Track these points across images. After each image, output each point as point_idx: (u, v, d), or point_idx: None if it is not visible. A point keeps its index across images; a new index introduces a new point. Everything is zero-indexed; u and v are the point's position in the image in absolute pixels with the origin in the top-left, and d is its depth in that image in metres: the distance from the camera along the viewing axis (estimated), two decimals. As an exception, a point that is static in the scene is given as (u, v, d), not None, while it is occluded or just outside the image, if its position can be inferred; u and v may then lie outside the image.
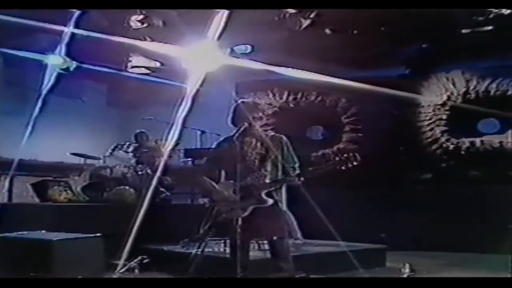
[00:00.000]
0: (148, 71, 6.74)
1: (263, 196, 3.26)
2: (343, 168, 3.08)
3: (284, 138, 3.45)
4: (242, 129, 3.31)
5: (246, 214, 3.28)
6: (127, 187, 5.37)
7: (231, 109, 3.51)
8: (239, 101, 3.52)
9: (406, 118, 6.36)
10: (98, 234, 3.65)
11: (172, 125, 5.21)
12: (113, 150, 5.90)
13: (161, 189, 5.76)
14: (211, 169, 3.44)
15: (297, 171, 3.27)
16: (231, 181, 3.27)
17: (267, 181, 3.28)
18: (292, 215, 3.31)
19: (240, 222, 3.18)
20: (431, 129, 6.24)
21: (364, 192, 5.88)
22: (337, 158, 3.12)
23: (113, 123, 7.38)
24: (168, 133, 5.32)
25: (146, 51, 6.18)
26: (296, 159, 3.40)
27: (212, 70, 5.12)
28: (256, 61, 5.62)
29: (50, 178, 5.37)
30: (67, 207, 4.98)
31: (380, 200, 5.87)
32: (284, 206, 3.37)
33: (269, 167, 3.32)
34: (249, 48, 5.99)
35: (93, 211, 4.89)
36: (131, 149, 5.96)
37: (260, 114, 3.56)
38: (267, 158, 3.33)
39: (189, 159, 5.84)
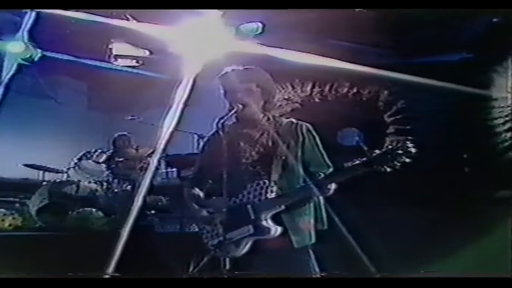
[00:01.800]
0: (135, 63, 6.07)
1: (267, 221, 2.43)
2: (387, 169, 2.35)
3: (307, 126, 2.67)
4: (230, 114, 2.54)
5: (241, 252, 2.48)
6: (93, 210, 4.64)
7: (218, 87, 2.73)
8: (225, 71, 2.67)
9: (471, 116, 5.41)
10: None
11: (162, 127, 4.68)
12: (80, 159, 5.24)
13: (151, 212, 5.14)
14: (200, 181, 2.71)
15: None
16: (221, 198, 2.49)
17: (273, 195, 2.47)
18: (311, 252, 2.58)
19: (228, 264, 2.41)
20: (508, 130, 5.32)
21: (416, 214, 4.92)
22: (376, 151, 2.40)
23: (97, 129, 6.79)
24: (157, 137, 4.76)
25: (131, 35, 5.46)
26: (328, 161, 2.63)
27: (214, 57, 4.66)
28: (269, 46, 5.04)
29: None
30: (8, 238, 4.17)
31: (438, 226, 4.88)
32: (308, 238, 2.51)
33: (277, 172, 2.52)
34: (260, 27, 5.32)
35: (46, 243, 4.12)
36: (103, 158, 5.28)
37: (257, 87, 2.68)
38: (276, 158, 2.54)
39: (173, 169, 5.22)
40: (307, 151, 2.63)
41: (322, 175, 2.54)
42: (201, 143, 2.95)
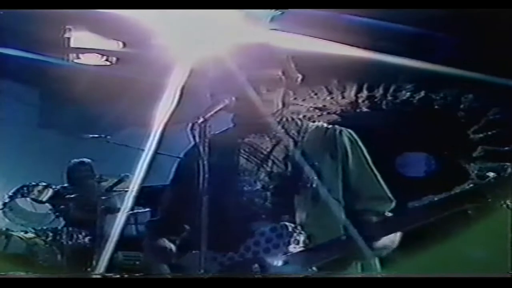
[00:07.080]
0: (104, 61, 5.93)
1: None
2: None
3: (349, 133, 2.35)
4: (214, 111, 2.09)
5: None
6: (22, 274, 4.35)
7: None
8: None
9: None
10: None
11: (140, 150, 4.77)
12: (12, 197, 4.91)
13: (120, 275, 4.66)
14: (171, 226, 2.43)
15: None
16: (205, 253, 2.03)
17: (298, 248, 2.14)
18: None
19: None
20: None
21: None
22: (489, 174, 1.94)
23: (51, 154, 6.60)
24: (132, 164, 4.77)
25: (96, 20, 5.22)
26: (386, 190, 2.29)
27: (215, 51, 4.69)
28: (293, 32, 4.89)
29: None
30: None
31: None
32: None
33: (304, 209, 2.20)
34: (279, 8, 5.08)
35: None
36: (49, 195, 4.98)
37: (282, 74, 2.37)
38: (302, 186, 2.22)
39: (146, 209, 4.97)
40: (351, 174, 2.26)
41: (381, 213, 2.20)
42: (173, 169, 2.58)
